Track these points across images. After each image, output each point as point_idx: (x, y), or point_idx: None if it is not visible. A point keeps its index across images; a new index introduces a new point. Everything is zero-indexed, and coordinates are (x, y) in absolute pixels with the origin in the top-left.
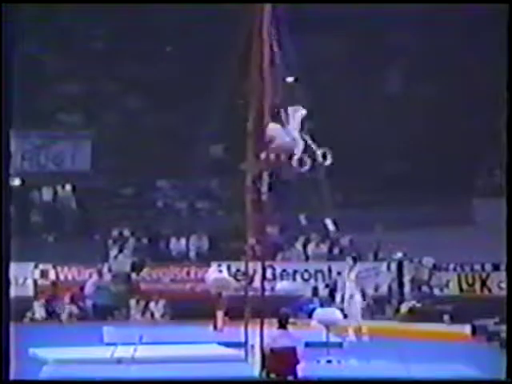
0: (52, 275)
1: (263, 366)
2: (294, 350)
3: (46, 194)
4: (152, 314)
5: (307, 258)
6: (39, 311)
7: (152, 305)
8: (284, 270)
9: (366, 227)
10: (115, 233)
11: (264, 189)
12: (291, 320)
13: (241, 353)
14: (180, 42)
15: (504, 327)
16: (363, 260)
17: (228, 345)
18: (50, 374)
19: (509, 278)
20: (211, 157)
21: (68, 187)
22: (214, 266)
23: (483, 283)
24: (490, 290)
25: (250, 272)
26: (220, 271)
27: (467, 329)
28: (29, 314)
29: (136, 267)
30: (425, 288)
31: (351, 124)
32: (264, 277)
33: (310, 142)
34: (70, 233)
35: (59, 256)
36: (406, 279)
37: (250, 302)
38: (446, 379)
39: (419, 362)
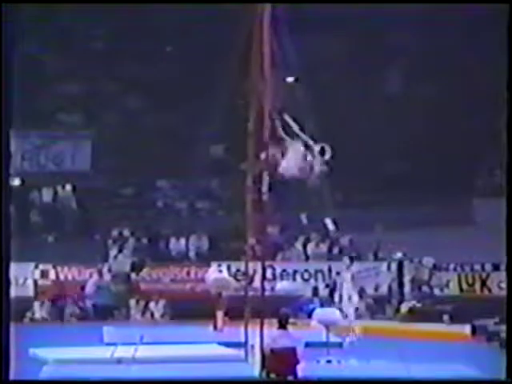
0: (52, 275)
1: (263, 366)
2: (294, 350)
3: (46, 194)
4: (152, 314)
5: (307, 258)
6: (39, 311)
7: (152, 305)
8: (284, 270)
9: (365, 227)
10: (115, 233)
11: (264, 189)
12: (291, 320)
13: (241, 353)
14: (180, 42)
15: (504, 327)
16: (363, 260)
17: (228, 345)
18: (50, 373)
19: (509, 278)
20: (211, 157)
21: (68, 187)
22: (213, 266)
23: (483, 283)
24: (489, 290)
25: (250, 272)
26: (220, 271)
27: (467, 329)
28: (29, 314)
29: (136, 267)
30: (425, 288)
31: (351, 124)
32: (264, 277)
33: (305, 138)
34: (70, 233)
35: (59, 256)
36: (406, 279)
37: (250, 302)
38: (446, 379)
39: (419, 361)
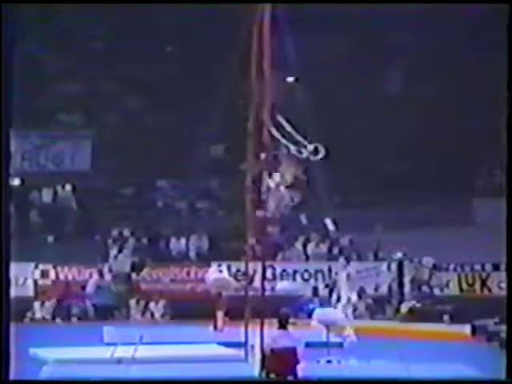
0: (52, 275)
1: (263, 366)
2: (294, 350)
3: (46, 194)
4: (152, 314)
5: (307, 258)
6: (39, 311)
7: (152, 305)
8: (284, 270)
9: (365, 227)
10: (115, 233)
11: (264, 189)
12: (291, 320)
13: (241, 353)
14: (180, 42)
15: (504, 327)
16: (363, 260)
17: (228, 345)
18: (50, 373)
19: (509, 277)
20: (211, 157)
21: (68, 187)
22: (214, 266)
23: (483, 283)
24: (490, 290)
25: (250, 272)
26: (220, 271)
27: (467, 329)
28: (29, 314)
29: (136, 267)
30: (425, 288)
31: (351, 124)
32: (264, 277)
33: (299, 138)
34: (70, 233)
35: (59, 256)
36: (406, 279)
37: (250, 302)
38: (446, 379)
39: (419, 361)
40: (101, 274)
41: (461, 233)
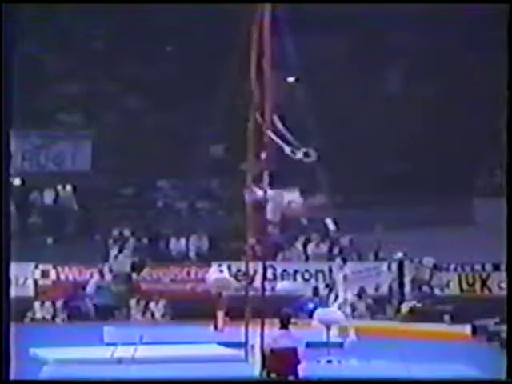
0: (52, 275)
1: (263, 366)
2: (295, 350)
3: (46, 194)
4: (152, 314)
5: (307, 258)
6: (39, 311)
7: (152, 305)
8: (284, 270)
9: (366, 227)
10: (115, 233)
11: (264, 188)
12: (292, 320)
13: (241, 353)
14: (180, 42)
15: (504, 327)
16: (363, 260)
17: (228, 345)
18: (50, 373)
19: (509, 277)
20: (211, 157)
21: (68, 187)
22: (214, 266)
23: (483, 283)
24: (490, 290)
25: (251, 272)
26: (220, 271)
27: (467, 329)
28: (29, 314)
29: (136, 267)
30: (425, 288)
31: (351, 124)
32: (264, 277)
33: (292, 140)
34: (70, 233)
35: (60, 256)
36: (407, 279)
37: (250, 302)
38: (446, 379)
39: (419, 361)
40: (101, 274)
41: (461, 233)
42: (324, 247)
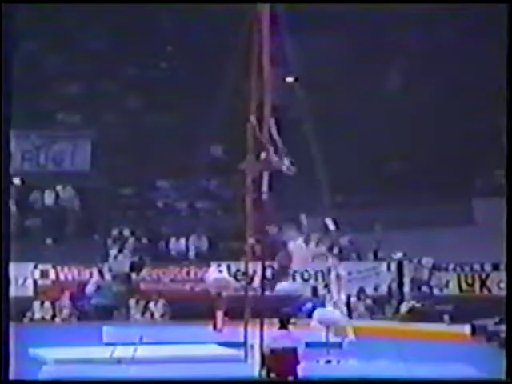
0: (52, 275)
1: (263, 366)
2: (294, 350)
3: (46, 194)
4: (152, 314)
5: None
6: (39, 311)
7: (152, 305)
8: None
9: (365, 227)
10: (115, 233)
11: (264, 188)
12: (292, 320)
13: (240, 353)
14: (180, 42)
15: (503, 327)
16: (363, 260)
17: (228, 345)
18: (50, 374)
19: (508, 278)
20: (211, 157)
21: (68, 187)
22: (213, 266)
23: (483, 283)
24: (489, 290)
25: (250, 272)
26: (220, 271)
27: (467, 329)
28: (29, 314)
29: (136, 267)
30: (425, 288)
31: (351, 124)
32: (264, 277)
33: (280, 147)
34: (69, 233)
35: (59, 256)
36: (406, 279)
37: (249, 302)
38: (445, 379)
39: (419, 361)
40: (101, 273)
41: (460, 233)
42: (324, 247)
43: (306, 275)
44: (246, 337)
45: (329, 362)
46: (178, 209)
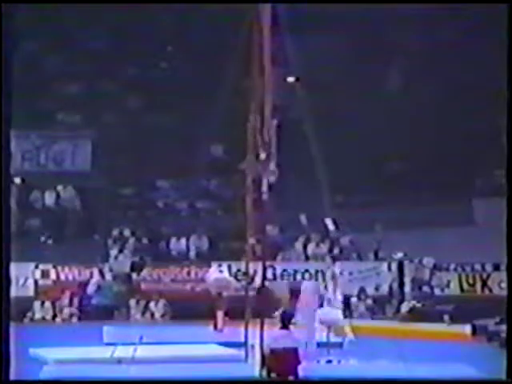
0: (52, 275)
1: (263, 366)
2: (295, 350)
3: (46, 194)
4: (152, 314)
5: (307, 258)
6: (39, 311)
7: (152, 305)
8: (284, 270)
9: (366, 227)
10: (115, 233)
11: (264, 188)
12: (293, 320)
13: (241, 353)
14: (180, 42)
15: (504, 327)
16: (364, 260)
17: (228, 345)
18: (50, 373)
19: (509, 278)
20: (211, 157)
21: (68, 187)
22: (214, 266)
23: (484, 283)
24: (490, 290)
25: (251, 272)
26: (220, 271)
27: (467, 329)
28: (29, 314)
29: (136, 267)
30: (425, 288)
31: (351, 123)
32: (264, 277)
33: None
34: (70, 233)
35: (59, 256)
36: (407, 279)
37: (250, 302)
38: (445, 379)
39: (419, 361)
40: (101, 273)
41: (461, 233)
42: (324, 247)
43: (306, 275)
44: (246, 337)
45: (329, 361)
46: (179, 209)
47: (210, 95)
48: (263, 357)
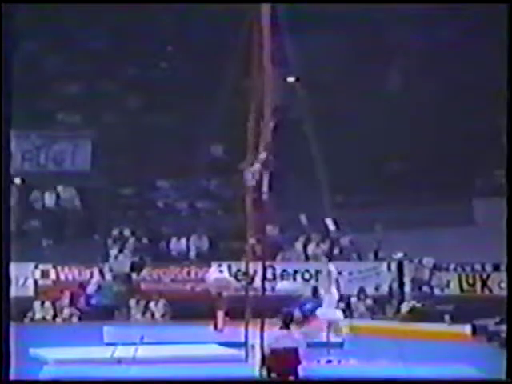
0: (52, 275)
1: (263, 365)
2: (295, 350)
3: (46, 194)
4: (152, 314)
5: (307, 258)
6: (39, 311)
7: (152, 305)
8: (284, 270)
9: (366, 227)
10: (115, 233)
11: (264, 189)
12: (294, 320)
13: (241, 353)
14: (180, 42)
15: (504, 327)
16: (364, 260)
17: (228, 345)
18: (50, 373)
19: (509, 278)
20: (211, 157)
21: (68, 187)
22: (214, 266)
23: (484, 283)
24: (490, 290)
25: (251, 272)
26: (220, 271)
27: (467, 329)
28: (29, 314)
29: (136, 267)
30: (425, 288)
31: (351, 123)
32: (264, 277)
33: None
34: (70, 233)
35: (59, 256)
36: (407, 279)
37: (250, 302)
38: (445, 379)
39: (419, 361)
40: (101, 273)
41: (461, 233)
42: (324, 247)
43: (306, 275)
44: (246, 337)
45: (329, 361)
46: (179, 209)
47: (210, 95)
48: (263, 357)
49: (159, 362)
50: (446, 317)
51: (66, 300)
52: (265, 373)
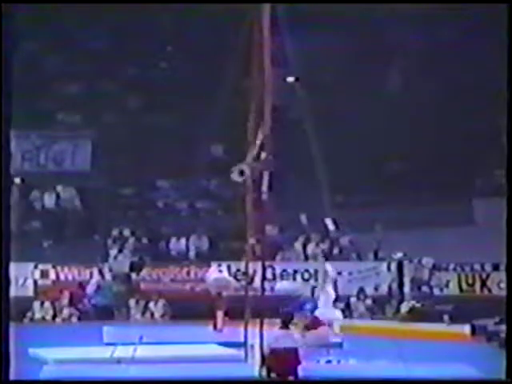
0: (52, 275)
1: (263, 365)
2: (295, 350)
3: (46, 194)
4: (152, 314)
5: (307, 258)
6: (39, 311)
7: (152, 305)
8: (284, 270)
9: (365, 227)
10: (115, 233)
11: (264, 188)
12: (294, 320)
13: (241, 353)
14: (180, 42)
15: (503, 327)
16: (363, 260)
17: (228, 345)
18: (50, 373)
19: (508, 278)
20: (211, 157)
21: (68, 187)
22: (214, 266)
23: (483, 283)
24: (489, 290)
25: (250, 272)
26: (220, 271)
27: (467, 329)
28: (29, 314)
29: (136, 267)
30: (425, 288)
31: (351, 123)
32: (264, 277)
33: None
34: (69, 233)
35: (59, 256)
36: (406, 279)
37: (250, 302)
38: (445, 379)
39: (419, 361)
40: (101, 273)
41: (461, 233)
42: (324, 247)
43: (306, 275)
44: (246, 337)
45: (329, 361)
46: (179, 209)
47: (210, 95)
48: (263, 357)
49: (159, 362)
50: (446, 317)
51: (65, 300)
52: (264, 373)
